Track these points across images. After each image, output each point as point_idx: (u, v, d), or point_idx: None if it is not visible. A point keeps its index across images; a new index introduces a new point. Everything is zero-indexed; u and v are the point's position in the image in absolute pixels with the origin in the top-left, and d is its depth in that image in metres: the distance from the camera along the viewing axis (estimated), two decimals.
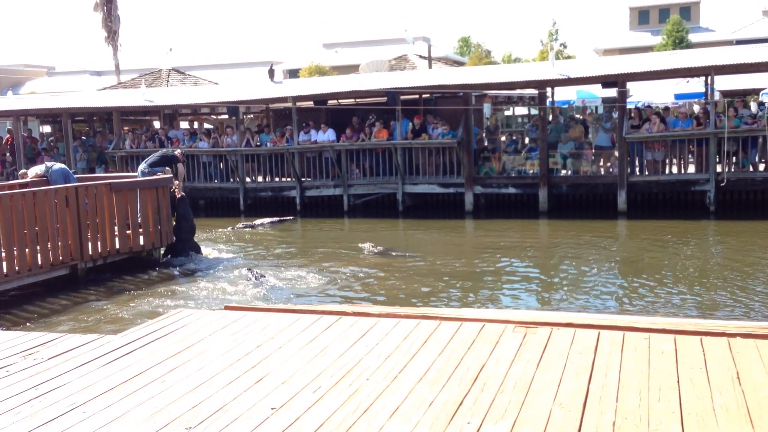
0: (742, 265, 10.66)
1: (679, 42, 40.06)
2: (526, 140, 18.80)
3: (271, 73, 22.46)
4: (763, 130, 15.23)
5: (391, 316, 5.64)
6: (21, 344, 5.33)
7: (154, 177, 12.53)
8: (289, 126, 18.95)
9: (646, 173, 16.37)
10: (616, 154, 16.34)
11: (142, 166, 13.40)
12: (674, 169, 16.43)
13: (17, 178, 14.73)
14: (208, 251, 13.01)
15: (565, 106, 25.38)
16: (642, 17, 49.51)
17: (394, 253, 12.39)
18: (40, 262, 9.99)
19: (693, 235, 13.39)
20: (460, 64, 41.30)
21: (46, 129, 27.67)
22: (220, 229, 15.76)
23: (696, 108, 21.30)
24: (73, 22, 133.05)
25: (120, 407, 4.01)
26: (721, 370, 4.18)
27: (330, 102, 20.29)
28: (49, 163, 12.66)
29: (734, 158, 15.88)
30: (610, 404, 3.78)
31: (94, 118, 24.83)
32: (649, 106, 19.17)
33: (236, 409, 3.92)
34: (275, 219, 16.88)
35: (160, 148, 19.29)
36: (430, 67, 26.72)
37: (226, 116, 23.12)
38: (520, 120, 27.90)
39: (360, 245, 13.01)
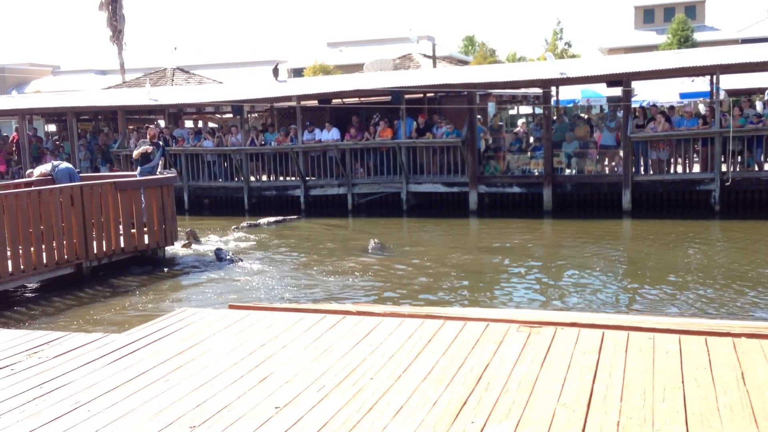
0: (746, 265, 10.63)
1: (684, 41, 39.95)
2: (531, 139, 18.77)
3: (276, 72, 22.47)
4: None
5: (396, 315, 5.64)
6: (26, 342, 5.35)
7: (158, 176, 12.56)
8: (294, 125, 18.97)
9: (651, 172, 16.34)
10: (621, 153, 16.32)
11: (138, 168, 13.50)
12: (679, 169, 16.39)
13: (23, 177, 14.77)
14: (212, 250, 13.03)
15: (570, 105, 25.38)
16: (647, 16, 49.39)
17: (397, 253, 12.39)
18: (45, 261, 10.02)
19: (697, 235, 13.35)
20: (465, 63, 41.26)
21: (51, 128, 27.74)
22: (225, 228, 15.77)
23: (701, 107, 21.26)
24: (78, 21, 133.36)
25: (124, 406, 4.02)
26: (726, 370, 4.17)
27: (334, 101, 20.29)
28: (55, 162, 12.70)
29: (739, 158, 15.84)
30: (614, 404, 3.77)
31: (99, 117, 24.88)
32: (654, 105, 19.12)
33: (240, 408, 3.92)
34: (279, 218, 16.89)
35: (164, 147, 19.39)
36: (434, 66, 26.71)
37: (231, 115, 23.17)
38: (524, 119, 27.88)
39: (364, 242, 13.03)
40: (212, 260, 12.04)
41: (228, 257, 11.94)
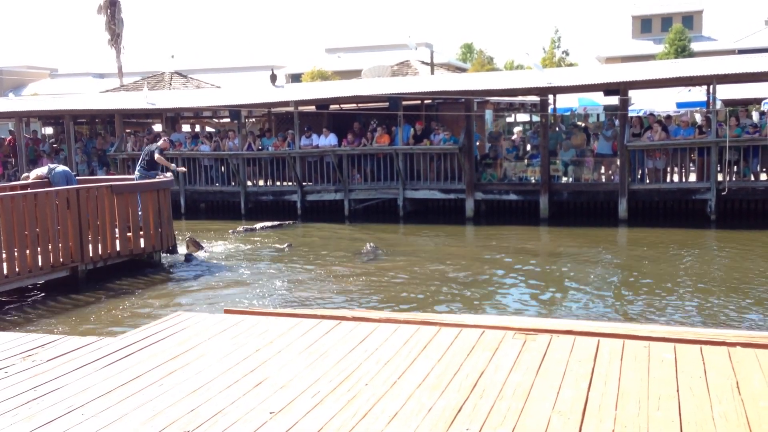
0: (742, 275, 10.65)
1: (682, 51, 40.10)
2: (528, 147, 18.82)
3: (273, 77, 22.50)
4: (764, 139, 15.23)
5: (391, 321, 5.64)
6: (20, 345, 5.33)
7: (155, 180, 12.55)
8: (291, 130, 18.97)
9: (647, 181, 16.37)
10: (618, 162, 16.35)
11: (138, 171, 13.45)
12: (675, 178, 16.43)
13: (19, 180, 14.74)
14: (208, 255, 13.03)
15: (567, 113, 25.44)
16: (644, 26, 49.58)
17: (394, 259, 12.38)
18: (40, 264, 9.99)
19: (693, 244, 13.38)
20: (463, 70, 41.35)
21: (49, 131, 27.71)
22: (221, 233, 15.75)
23: (698, 117, 21.32)
24: (77, 25, 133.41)
25: (118, 410, 4.00)
26: (721, 380, 4.17)
27: (332, 107, 20.31)
28: (52, 165, 12.68)
29: (735, 167, 15.88)
30: (609, 412, 3.77)
31: (97, 120, 24.87)
32: (651, 114, 19.17)
33: (235, 412, 3.91)
34: (276, 223, 16.89)
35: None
36: (432, 73, 26.77)
37: (228, 120, 23.16)
38: (520, 126, 27.92)
39: (361, 248, 13.03)
40: (208, 265, 12.03)
41: (197, 261, 12.27)
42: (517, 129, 19.45)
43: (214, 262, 12.37)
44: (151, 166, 13.60)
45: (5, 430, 3.77)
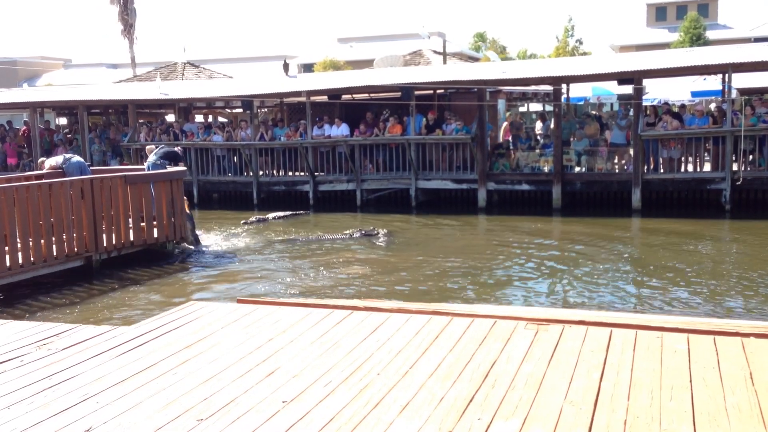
0: (756, 265, 10.57)
1: (697, 39, 39.71)
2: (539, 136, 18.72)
3: (286, 67, 22.53)
4: None
5: (403, 311, 5.64)
6: (35, 334, 5.38)
7: (168, 170, 12.59)
8: (303, 120, 18.98)
9: (662, 171, 16.26)
10: (631, 151, 16.24)
11: (152, 158, 13.34)
12: (690, 168, 16.30)
13: (34, 170, 14.85)
14: (220, 244, 13.08)
15: (581, 102, 25.29)
16: (659, 14, 49.10)
17: (406, 249, 12.39)
18: (55, 254, 10.08)
19: (708, 234, 13.29)
20: (475, 59, 41.14)
21: (63, 121, 27.86)
22: (233, 223, 15.81)
23: (712, 106, 21.13)
24: (90, 15, 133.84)
25: (133, 398, 4.04)
26: (734, 370, 4.15)
27: (344, 97, 20.29)
28: (67, 155, 12.76)
29: (750, 157, 15.73)
30: (621, 403, 3.76)
31: (110, 110, 24.97)
32: (666, 103, 19.00)
33: (247, 401, 3.94)
34: (288, 213, 16.93)
35: (174, 141, 19.44)
36: (444, 62, 26.67)
37: (241, 110, 23.20)
38: (534, 116, 27.80)
39: (373, 238, 13.03)
40: (220, 255, 12.08)
41: (209, 250, 12.39)
42: (539, 126, 19.26)
43: (227, 251, 12.42)
44: (166, 158, 13.57)
45: (21, 417, 3.82)
